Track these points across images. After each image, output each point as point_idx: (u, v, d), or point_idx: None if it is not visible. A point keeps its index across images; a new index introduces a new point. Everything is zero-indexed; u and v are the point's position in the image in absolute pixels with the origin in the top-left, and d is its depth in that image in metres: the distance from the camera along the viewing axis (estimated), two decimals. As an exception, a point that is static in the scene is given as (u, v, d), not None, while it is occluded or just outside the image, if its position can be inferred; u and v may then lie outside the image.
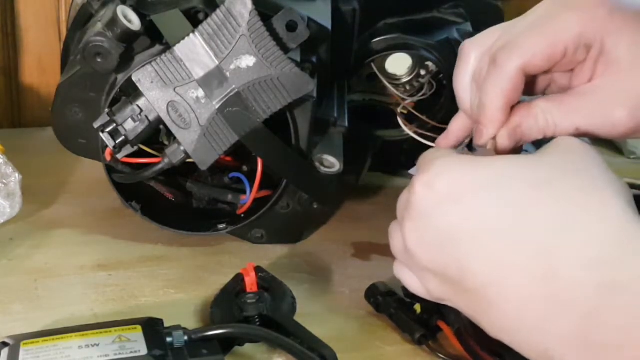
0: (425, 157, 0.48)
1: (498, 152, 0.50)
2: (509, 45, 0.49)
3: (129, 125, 0.60)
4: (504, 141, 0.50)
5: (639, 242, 0.39)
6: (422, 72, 0.76)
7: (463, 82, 0.53)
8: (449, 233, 0.43)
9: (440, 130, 0.61)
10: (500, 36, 0.51)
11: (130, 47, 0.62)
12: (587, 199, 0.41)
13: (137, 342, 0.50)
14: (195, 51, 0.59)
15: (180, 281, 0.64)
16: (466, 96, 0.53)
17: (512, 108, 0.50)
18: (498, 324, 0.43)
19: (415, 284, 0.48)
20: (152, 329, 0.51)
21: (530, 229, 0.41)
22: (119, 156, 0.62)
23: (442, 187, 0.44)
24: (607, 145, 0.96)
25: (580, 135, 0.48)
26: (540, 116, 0.49)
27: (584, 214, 0.40)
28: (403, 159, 0.77)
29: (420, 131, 0.75)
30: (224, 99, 0.59)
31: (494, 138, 0.50)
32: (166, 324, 0.52)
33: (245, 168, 0.69)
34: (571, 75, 0.51)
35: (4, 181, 0.67)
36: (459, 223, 0.43)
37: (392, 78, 0.77)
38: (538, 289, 0.40)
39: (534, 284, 0.40)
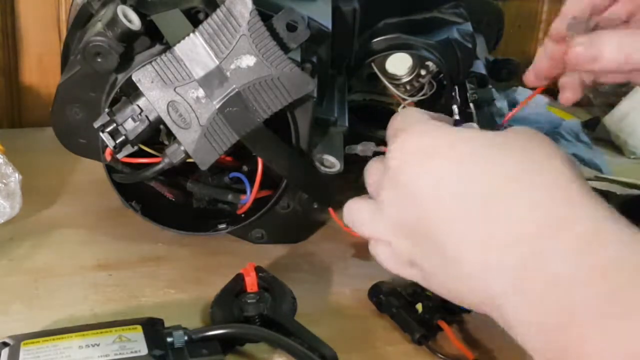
0: (397, 119, 0.51)
1: (569, 60, 0.51)
2: None
3: (129, 125, 0.60)
4: (580, 50, 0.50)
5: (578, 196, 0.42)
6: (423, 72, 0.76)
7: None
8: (417, 185, 0.46)
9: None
10: None
11: (130, 47, 0.61)
12: (538, 158, 0.44)
13: (137, 342, 0.50)
14: (195, 51, 0.59)
15: (180, 281, 0.64)
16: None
17: None
18: (453, 279, 0.45)
19: (387, 255, 0.50)
20: (152, 329, 0.51)
21: (486, 178, 0.44)
22: (119, 156, 0.62)
23: (414, 145, 0.47)
24: (607, 145, 0.97)
25: None
26: (626, 40, 0.50)
27: (536, 167, 0.43)
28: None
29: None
30: (224, 99, 0.59)
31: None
32: (166, 324, 0.53)
33: (245, 168, 0.69)
34: None
35: (4, 181, 0.67)
36: (426, 177, 0.46)
37: (392, 78, 0.77)
38: (485, 233, 0.43)
39: (482, 227, 0.43)
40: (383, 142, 0.79)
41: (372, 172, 0.51)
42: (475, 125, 0.53)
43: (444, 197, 0.45)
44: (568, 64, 0.51)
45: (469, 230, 0.43)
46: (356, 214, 0.52)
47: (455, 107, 0.72)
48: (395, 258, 0.49)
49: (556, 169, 0.43)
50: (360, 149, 0.56)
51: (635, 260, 0.38)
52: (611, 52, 0.50)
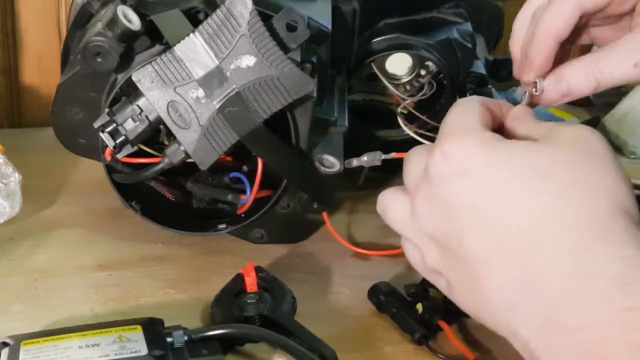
0: (451, 118, 0.48)
1: (544, 102, 0.51)
2: None
3: (129, 125, 0.60)
4: (549, 91, 0.50)
5: (615, 234, 0.40)
6: (422, 72, 0.76)
7: (522, 18, 0.54)
8: (454, 203, 0.44)
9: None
10: None
11: (130, 47, 0.61)
12: (574, 193, 0.42)
13: (137, 342, 0.50)
14: (195, 51, 0.59)
15: (180, 281, 0.64)
16: (521, 32, 0.54)
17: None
18: (479, 301, 0.44)
19: (413, 253, 0.49)
20: (152, 329, 0.51)
21: (519, 214, 0.42)
22: (119, 156, 0.62)
23: (455, 158, 0.45)
24: (607, 145, 0.96)
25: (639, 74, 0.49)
26: (590, 65, 0.50)
27: (570, 207, 0.42)
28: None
29: (420, 131, 0.75)
30: (224, 99, 0.59)
31: (541, 88, 0.51)
32: (166, 324, 0.52)
33: (245, 168, 0.69)
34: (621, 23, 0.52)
35: (4, 181, 0.67)
36: (463, 196, 0.44)
37: (392, 78, 0.77)
38: (516, 270, 0.41)
39: (513, 264, 0.42)
40: (383, 142, 0.80)
41: (413, 164, 0.48)
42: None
43: (480, 221, 0.43)
44: (542, 104, 0.51)
45: (500, 263, 0.42)
46: (389, 208, 0.49)
47: None
48: (422, 262, 0.48)
49: (596, 199, 0.42)
50: (366, 159, 0.55)
51: None
52: (579, 84, 0.50)
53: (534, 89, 0.51)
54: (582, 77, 0.50)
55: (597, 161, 0.44)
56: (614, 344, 0.37)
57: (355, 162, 0.55)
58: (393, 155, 0.51)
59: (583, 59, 0.50)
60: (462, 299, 0.46)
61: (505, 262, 0.42)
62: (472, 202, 0.44)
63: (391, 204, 0.49)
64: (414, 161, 0.48)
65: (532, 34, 0.51)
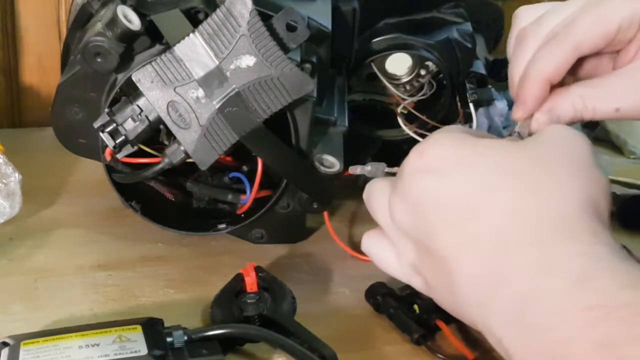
0: (440, 129, 0.50)
1: (533, 130, 0.51)
2: (569, 24, 0.51)
3: (129, 125, 0.60)
4: (539, 124, 0.51)
5: (578, 231, 0.41)
6: (422, 72, 0.76)
7: (512, 39, 0.55)
8: (424, 200, 0.45)
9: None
10: (553, 8, 0.53)
11: (130, 47, 0.61)
12: (542, 189, 0.43)
13: (137, 342, 0.50)
14: (195, 51, 0.59)
15: (180, 281, 0.64)
16: (511, 52, 0.55)
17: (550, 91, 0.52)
18: (456, 298, 0.44)
19: (387, 255, 0.49)
20: (152, 329, 0.51)
21: (488, 211, 0.43)
22: (119, 156, 0.62)
23: (429, 157, 0.46)
24: (607, 145, 0.96)
25: (620, 117, 0.50)
26: (578, 101, 0.51)
27: (537, 203, 0.42)
28: (403, 159, 0.77)
29: (420, 131, 0.75)
30: (224, 99, 0.59)
31: (530, 119, 0.51)
32: (166, 324, 0.53)
33: (245, 168, 0.69)
34: (615, 57, 0.53)
35: (4, 181, 0.67)
36: (433, 193, 0.45)
37: (392, 78, 0.77)
38: (486, 265, 0.42)
39: (483, 260, 0.42)
40: (383, 142, 0.80)
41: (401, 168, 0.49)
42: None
43: (450, 218, 0.44)
44: (532, 131, 0.51)
45: (470, 259, 0.43)
46: (374, 194, 0.50)
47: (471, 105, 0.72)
48: (398, 261, 0.49)
49: (563, 196, 0.42)
50: (369, 169, 0.55)
51: (630, 300, 0.37)
52: (567, 115, 0.51)
53: (527, 122, 0.52)
54: (570, 110, 0.51)
55: (570, 160, 0.44)
56: (580, 344, 0.37)
57: (359, 170, 0.55)
58: (396, 169, 0.51)
59: (572, 91, 0.51)
60: (440, 297, 0.46)
61: (476, 257, 0.42)
62: (443, 199, 0.44)
63: (375, 191, 0.50)
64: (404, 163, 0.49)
65: (525, 75, 0.52)
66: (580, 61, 0.53)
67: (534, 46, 0.53)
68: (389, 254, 0.49)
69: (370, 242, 0.51)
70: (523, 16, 0.55)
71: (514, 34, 0.55)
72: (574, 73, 0.54)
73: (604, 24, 0.50)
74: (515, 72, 0.54)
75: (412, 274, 0.48)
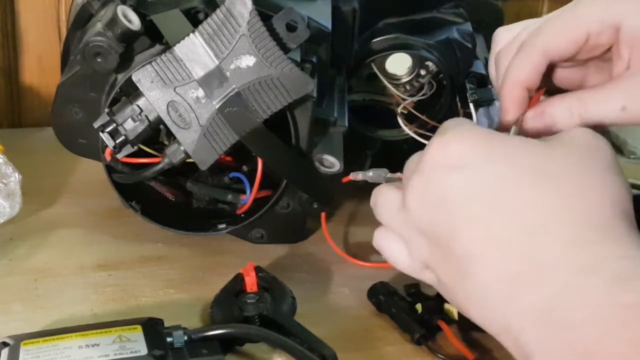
0: (448, 122, 0.48)
1: (524, 134, 0.51)
2: (534, 31, 0.51)
3: (129, 125, 0.60)
4: (529, 123, 0.51)
5: (617, 234, 0.41)
6: (422, 72, 0.76)
7: (493, 62, 0.56)
8: (448, 196, 0.44)
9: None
10: (527, 25, 0.53)
11: (130, 47, 0.62)
12: (577, 192, 0.42)
13: (137, 342, 0.50)
14: (195, 51, 0.59)
15: (180, 281, 0.64)
16: (494, 74, 0.56)
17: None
18: (469, 296, 0.44)
19: (397, 250, 0.48)
20: (152, 329, 0.51)
21: (519, 211, 0.42)
22: (119, 156, 0.62)
23: (453, 151, 0.45)
24: (607, 145, 0.96)
25: (625, 118, 0.49)
26: (575, 103, 0.50)
27: (577, 204, 0.42)
28: (403, 159, 0.77)
29: (420, 131, 0.75)
30: (224, 99, 0.59)
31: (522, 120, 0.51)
32: (166, 324, 0.53)
33: (245, 168, 0.69)
34: (609, 66, 0.52)
35: (4, 181, 0.67)
36: (459, 189, 0.44)
37: (392, 78, 0.77)
38: (514, 265, 0.41)
39: (512, 259, 0.42)
40: (383, 142, 0.80)
41: (410, 165, 0.48)
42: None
43: (475, 216, 0.43)
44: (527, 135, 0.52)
45: (497, 257, 0.42)
46: (380, 200, 0.50)
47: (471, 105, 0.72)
48: (408, 257, 0.48)
49: (597, 200, 0.42)
50: (371, 175, 0.54)
51: None
52: (564, 119, 0.50)
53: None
54: (566, 112, 0.50)
55: (600, 163, 0.44)
56: (614, 341, 0.37)
57: (360, 176, 0.55)
58: (398, 175, 0.51)
59: (569, 96, 0.51)
60: (452, 294, 0.46)
61: (504, 256, 0.42)
62: (468, 196, 0.44)
63: (383, 196, 0.49)
64: (411, 162, 0.48)
65: (503, 83, 0.52)
66: (565, 71, 0.53)
67: (503, 40, 0.54)
68: (400, 249, 0.48)
69: (381, 238, 0.50)
70: (502, 37, 0.55)
71: (493, 56, 0.56)
72: (561, 84, 0.54)
73: (570, 27, 0.50)
74: (490, 64, 0.55)
75: (423, 270, 0.47)
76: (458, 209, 0.44)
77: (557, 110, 0.50)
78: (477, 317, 0.44)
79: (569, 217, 0.42)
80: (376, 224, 0.51)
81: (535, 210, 0.42)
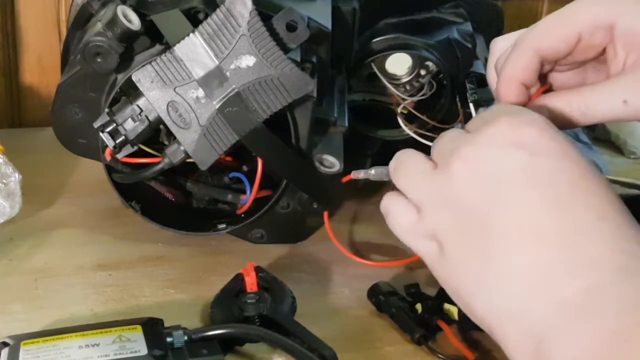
0: (501, 106, 0.49)
1: None
2: (528, 29, 0.51)
3: (129, 125, 0.60)
4: None
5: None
6: (422, 72, 0.76)
7: (490, 71, 0.55)
8: (505, 174, 0.43)
9: (440, 130, 0.60)
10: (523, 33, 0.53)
11: (130, 47, 0.62)
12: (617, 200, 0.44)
13: (137, 342, 0.50)
14: (195, 51, 0.59)
15: (180, 281, 0.64)
16: (493, 83, 0.55)
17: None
18: (484, 277, 0.43)
19: (404, 213, 0.47)
20: (152, 329, 0.51)
21: (580, 205, 0.42)
22: (119, 156, 0.62)
23: (530, 135, 0.44)
24: (607, 145, 0.96)
25: (627, 112, 0.49)
26: (574, 98, 0.50)
27: (622, 213, 0.43)
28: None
29: (420, 131, 0.75)
30: (224, 99, 0.59)
31: None
32: (166, 324, 0.53)
33: (245, 168, 0.69)
34: (606, 68, 0.52)
35: (4, 181, 0.67)
36: (523, 171, 0.43)
37: (392, 78, 0.77)
38: (552, 256, 0.41)
39: (550, 250, 0.41)
40: (383, 142, 0.80)
41: (444, 140, 0.47)
42: None
43: (527, 200, 0.43)
44: None
45: (535, 245, 0.42)
46: (408, 161, 0.48)
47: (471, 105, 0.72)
48: (415, 224, 0.46)
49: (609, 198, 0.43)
50: (373, 173, 0.54)
51: None
52: (564, 113, 0.50)
53: None
54: (566, 107, 0.50)
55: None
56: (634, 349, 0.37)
57: (362, 175, 0.54)
58: None
59: (569, 91, 0.50)
60: (457, 273, 0.44)
61: (542, 246, 0.41)
62: (529, 181, 0.43)
63: (410, 158, 0.48)
64: (447, 136, 0.47)
65: (498, 80, 0.52)
66: (564, 75, 0.53)
67: (499, 48, 0.54)
68: (407, 213, 0.46)
69: (391, 201, 0.48)
70: (498, 46, 0.55)
71: (490, 65, 0.55)
72: (560, 88, 0.53)
73: (562, 26, 0.50)
74: (489, 73, 0.54)
75: (424, 238, 0.46)
76: (511, 189, 0.43)
77: (557, 104, 0.50)
78: (481, 300, 0.43)
79: (617, 222, 0.42)
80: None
81: (592, 211, 0.42)
